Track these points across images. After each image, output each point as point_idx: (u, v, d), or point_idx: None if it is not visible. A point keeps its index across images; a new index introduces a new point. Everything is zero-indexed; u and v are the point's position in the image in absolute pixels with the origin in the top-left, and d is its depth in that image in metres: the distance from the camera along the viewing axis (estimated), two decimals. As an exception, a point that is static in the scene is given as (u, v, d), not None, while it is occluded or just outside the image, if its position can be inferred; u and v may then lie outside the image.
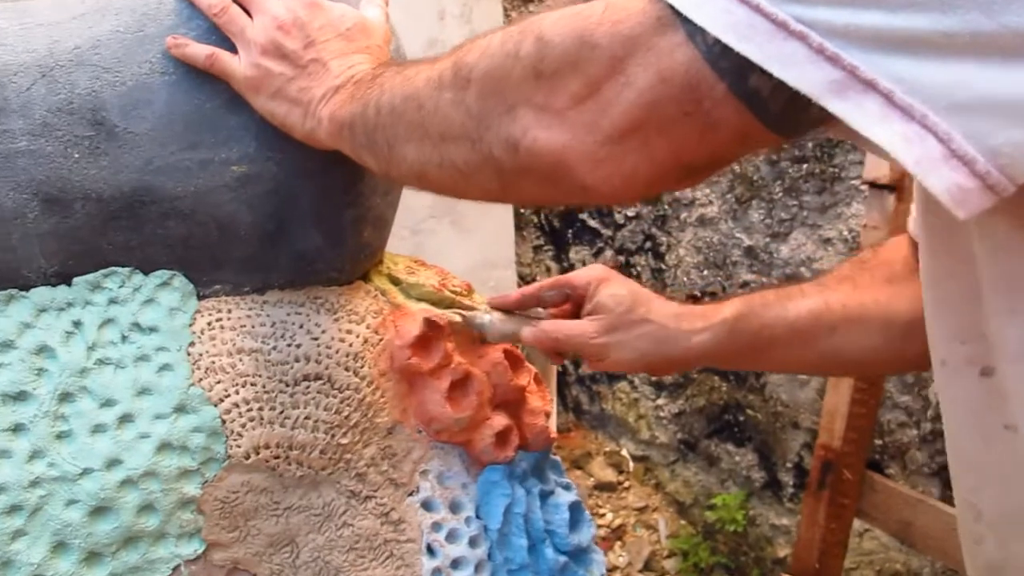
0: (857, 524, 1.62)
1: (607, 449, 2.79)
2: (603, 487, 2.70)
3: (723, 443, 2.30)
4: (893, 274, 0.81)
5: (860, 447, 1.49)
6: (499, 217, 2.55)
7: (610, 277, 0.86)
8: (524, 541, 0.91)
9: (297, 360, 0.82)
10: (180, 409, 0.79)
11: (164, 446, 0.78)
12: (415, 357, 0.85)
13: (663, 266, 2.38)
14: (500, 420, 0.90)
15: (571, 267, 2.79)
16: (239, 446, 0.80)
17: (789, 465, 2.08)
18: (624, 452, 2.73)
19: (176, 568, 0.80)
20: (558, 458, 1.03)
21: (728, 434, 2.27)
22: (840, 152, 1.82)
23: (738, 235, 2.11)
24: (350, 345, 0.84)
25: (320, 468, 0.83)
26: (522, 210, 2.88)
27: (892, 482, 1.50)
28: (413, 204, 2.31)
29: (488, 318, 0.87)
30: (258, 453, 0.80)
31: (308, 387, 0.82)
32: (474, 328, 0.88)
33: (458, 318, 0.88)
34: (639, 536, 2.50)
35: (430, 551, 0.87)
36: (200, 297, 0.83)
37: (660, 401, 2.51)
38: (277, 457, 0.81)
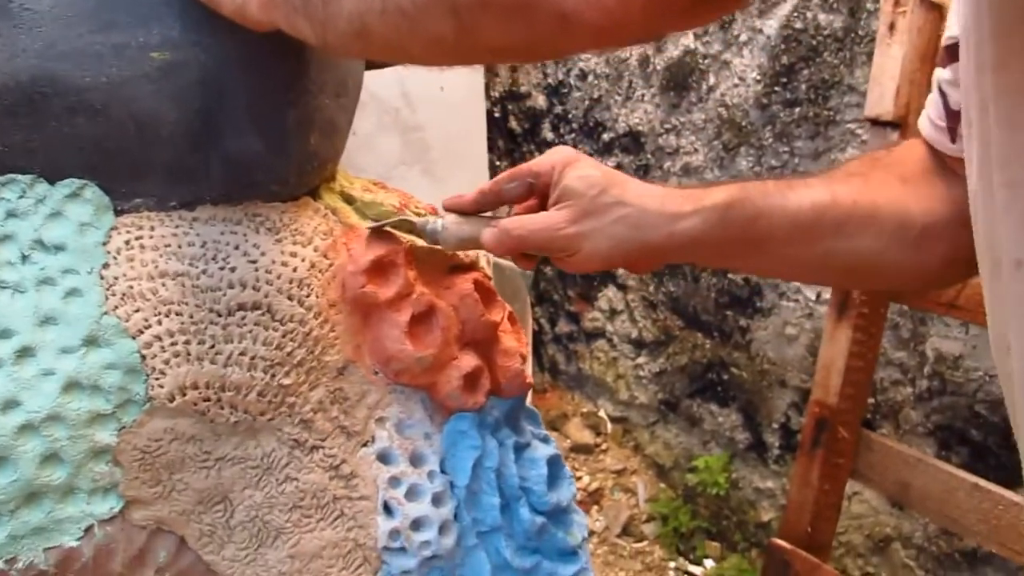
0: (846, 487, 1.53)
1: (584, 410, 2.69)
2: (580, 449, 2.60)
3: (706, 403, 2.20)
4: (908, 174, 0.70)
5: (857, 404, 1.40)
6: (473, 166, 2.42)
7: (578, 159, 0.73)
8: (496, 499, 0.80)
9: (231, 286, 0.70)
10: (91, 342, 0.67)
11: (71, 385, 0.66)
12: (371, 285, 0.73)
13: (645, 219, 2.27)
14: (469, 360, 0.78)
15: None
16: (162, 386, 0.68)
17: (775, 426, 1.99)
18: (602, 413, 2.64)
19: (88, 529, 0.68)
20: (535, 408, 0.92)
21: (711, 394, 2.17)
22: (835, 94, 1.71)
23: (725, 184, 1.99)
24: (294, 270, 0.72)
25: (258, 413, 0.71)
26: (497, 163, 2.75)
27: (890, 441, 1.40)
28: (383, 150, 2.18)
29: (441, 223, 0.75)
30: (184, 394, 0.68)
31: (244, 318, 0.70)
32: (426, 236, 0.75)
33: (407, 225, 0.76)
34: (617, 500, 2.42)
35: (387, 510, 0.75)
36: (118, 212, 0.70)
37: (640, 360, 2.41)
38: (207, 399, 0.69)
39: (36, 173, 0.68)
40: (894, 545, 1.73)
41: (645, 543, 2.25)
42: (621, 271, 2.41)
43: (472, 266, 0.81)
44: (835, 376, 1.38)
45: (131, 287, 0.68)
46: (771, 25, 1.81)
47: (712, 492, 2.12)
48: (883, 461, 1.37)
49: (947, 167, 0.68)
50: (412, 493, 0.75)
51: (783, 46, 1.78)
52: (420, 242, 0.77)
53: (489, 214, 0.76)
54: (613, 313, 2.48)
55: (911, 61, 1.34)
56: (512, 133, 2.71)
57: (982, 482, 1.25)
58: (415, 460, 0.77)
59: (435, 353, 0.75)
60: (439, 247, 0.76)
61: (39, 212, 0.68)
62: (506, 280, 2.97)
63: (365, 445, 0.76)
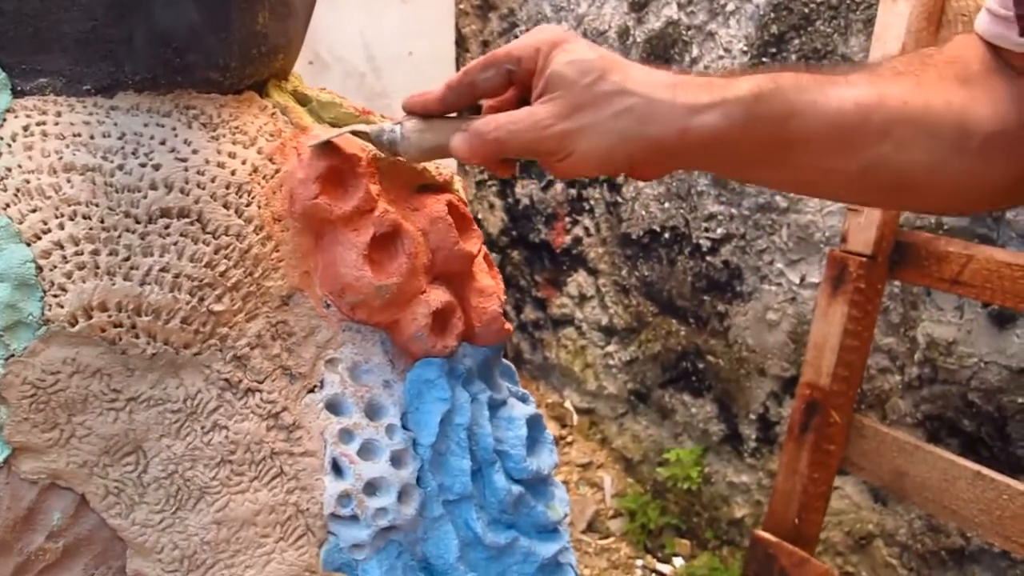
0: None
1: (549, 401, 2.58)
2: (543, 442, 2.49)
3: (679, 393, 2.10)
4: (968, 74, 0.59)
5: (850, 386, 1.30)
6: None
7: (568, 39, 0.60)
8: (467, 463, 0.68)
9: (153, 187, 0.57)
10: (-28, 247, 0.54)
11: (-55, 299, 0.53)
12: (324, 196, 0.61)
13: (619, 199, 2.16)
14: (439, 296, 0.66)
15: (516, 203, 2.56)
16: (61, 305, 0.55)
17: (752, 417, 1.89)
18: (568, 404, 2.53)
19: (-36, 481, 0.55)
20: (511, 365, 0.80)
21: (685, 383, 2.07)
22: (828, 65, 1.62)
23: (707, 162, 1.89)
24: (232, 173, 0.59)
25: (182, 345, 0.58)
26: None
27: (884, 427, 1.31)
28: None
29: (400, 129, 0.61)
30: (89, 317, 0.55)
31: (168, 226, 0.57)
32: (383, 146, 0.62)
33: (360, 137, 0.63)
34: (582, 495, 2.30)
35: (336, 469, 0.63)
36: (18, 93, 0.58)
37: (610, 348, 2.30)
38: (118, 325, 0.56)
39: (-88, 38, 0.55)
40: (876, 542, 1.64)
41: (611, 539, 2.14)
42: (591, 255, 2.30)
43: (446, 186, 0.69)
44: (828, 356, 1.29)
45: (27, 181, 0.55)
46: (761, -7, 1.71)
47: (683, 487, 2.02)
48: (877, 448, 1.28)
49: (1012, 66, 0.58)
50: (367, 450, 0.63)
51: (772, 15, 1.69)
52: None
53: (457, 115, 0.63)
54: (583, 299, 2.37)
55: (917, 19, 1.24)
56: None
57: (985, 470, 1.16)
58: (371, 411, 0.65)
59: (399, 283, 0.63)
60: (401, 158, 0.63)
61: (-86, 87, 0.55)
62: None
63: (312, 391, 0.63)
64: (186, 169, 0.58)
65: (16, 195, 0.55)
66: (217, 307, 0.59)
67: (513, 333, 2.69)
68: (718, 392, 1.98)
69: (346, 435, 0.63)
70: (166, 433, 0.58)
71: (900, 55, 0.68)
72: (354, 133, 0.62)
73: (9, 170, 0.55)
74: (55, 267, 0.55)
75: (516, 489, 0.70)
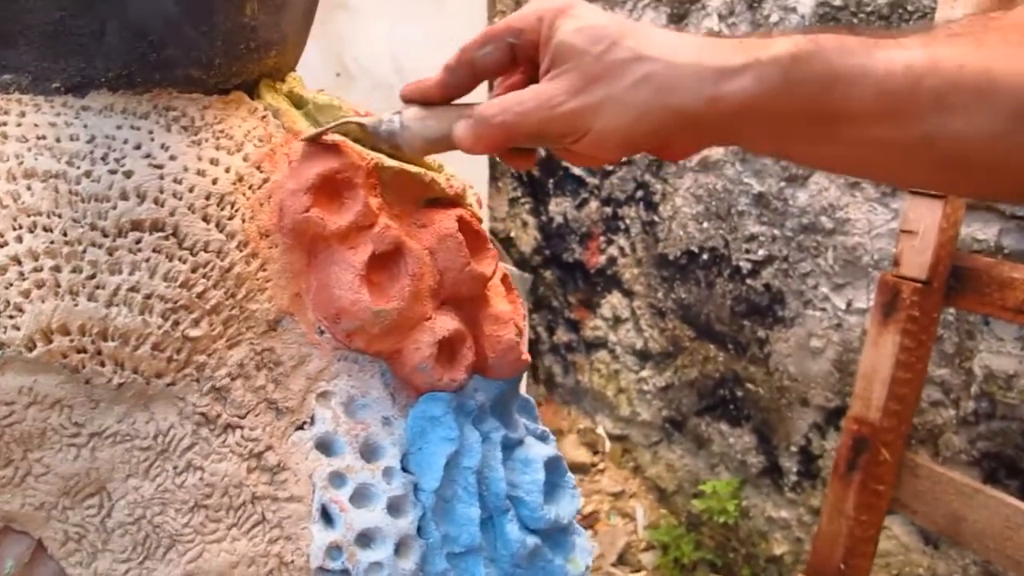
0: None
1: (581, 426, 2.49)
2: (575, 468, 2.40)
3: (716, 422, 2.00)
4: None
5: (902, 421, 1.20)
6: (472, 159, 2.23)
7: (572, 4, 0.53)
8: (476, 510, 0.60)
9: (124, 196, 0.51)
10: (-82, 261, 0.48)
11: None
12: (316, 209, 0.54)
13: (656, 218, 2.08)
14: (447, 322, 0.59)
15: (550, 222, 2.49)
16: (17, 328, 0.49)
17: (794, 449, 1.79)
18: (600, 430, 2.44)
19: (-92, 523, 0.49)
20: (531, 398, 0.73)
21: (722, 412, 1.98)
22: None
23: (747, 180, 1.81)
24: (214, 182, 0.53)
25: (153, 374, 0.52)
26: (498, 158, 2.57)
27: (939, 466, 1.21)
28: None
29: (400, 119, 0.55)
30: (49, 341, 0.49)
31: (139, 241, 0.51)
32: (381, 140, 0.56)
33: (356, 132, 0.56)
34: (613, 525, 2.21)
35: (326, 517, 0.56)
36: (-24, 92, 0.52)
37: (644, 373, 2.21)
38: (81, 350, 0.50)
39: None
40: (926, 588, 1.54)
41: (643, 573, 2.05)
42: (627, 275, 2.22)
43: (457, 200, 0.62)
44: (878, 389, 1.19)
45: (-18, 189, 0.49)
46: (806, 3, 1.63)
47: (719, 520, 1.92)
48: (931, 490, 1.18)
49: None
50: (360, 496, 0.56)
51: (819, 25, 1.60)
52: (388, 162, 0.57)
53: (464, 101, 0.56)
54: (617, 321, 2.29)
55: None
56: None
57: (1052, 519, 1.06)
58: (367, 452, 0.58)
59: (400, 308, 0.56)
60: (400, 153, 0.57)
61: None
62: (503, 284, 2.79)
63: (301, 428, 0.56)
64: (161, 177, 0.52)
65: (-30, 203, 0.49)
66: (194, 332, 0.52)
67: (545, 356, 2.62)
68: (757, 422, 1.88)
69: (337, 478, 0.56)
70: (133, 473, 0.52)
71: (958, 18, 0.59)
72: (348, 126, 0.56)
73: (-37, 176, 0.49)
74: (11, 285, 0.49)
75: (531, 540, 0.63)
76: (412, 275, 0.57)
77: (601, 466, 2.39)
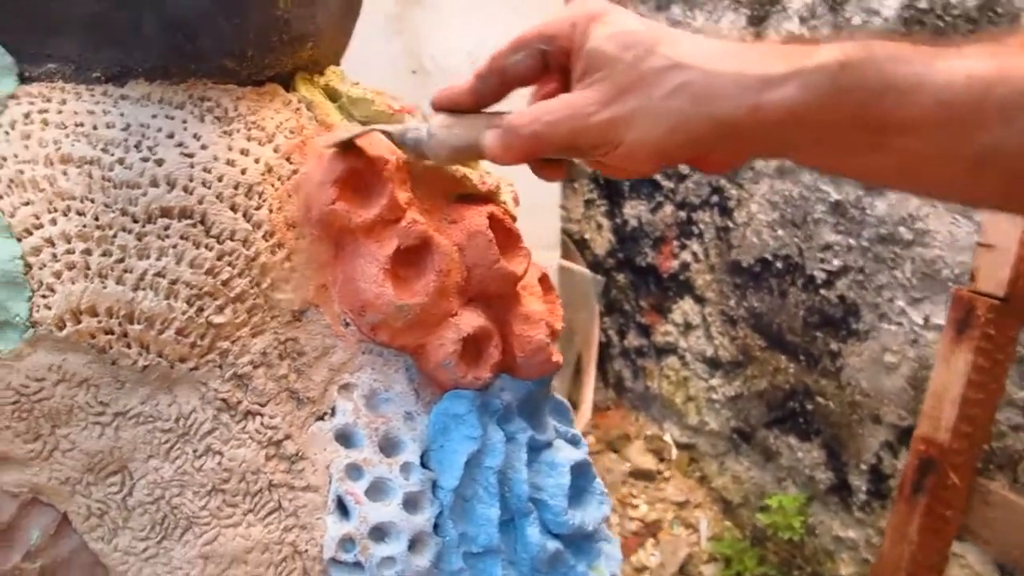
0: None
1: (648, 433, 2.46)
2: (640, 475, 2.37)
3: (784, 435, 1.95)
4: None
5: (973, 444, 1.15)
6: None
7: (608, 11, 0.51)
8: (495, 511, 0.60)
9: (154, 183, 0.52)
10: (-41, 239, 0.50)
11: (-72, 295, 0.49)
12: (342, 202, 0.55)
13: (730, 224, 2.04)
14: (472, 320, 0.59)
15: (624, 224, 2.47)
16: (48, 307, 0.50)
17: (864, 467, 1.72)
18: (667, 438, 2.40)
19: (-57, 490, 0.51)
20: (565, 401, 0.72)
21: (792, 425, 1.92)
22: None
23: (824, 188, 1.75)
24: (243, 172, 0.54)
25: (177, 358, 0.53)
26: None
27: (1014, 494, 1.15)
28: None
29: (428, 127, 0.54)
30: (78, 321, 0.51)
31: (167, 227, 0.52)
32: (407, 148, 0.55)
33: (384, 132, 0.56)
34: (676, 535, 2.18)
35: (341, 508, 0.56)
36: (25, 79, 0.54)
37: (714, 381, 2.17)
38: (109, 332, 0.51)
39: (-81, 16, 0.51)
40: (1000, 621, 1.46)
41: (703, 586, 2.01)
42: (699, 281, 2.18)
43: (490, 196, 0.62)
44: (948, 408, 1.14)
45: (21, 172, 0.51)
46: (890, 5, 1.57)
47: (784, 536, 1.87)
48: (1004, 518, 1.12)
49: None
50: (376, 490, 0.56)
51: (903, 29, 1.54)
52: (419, 157, 0.57)
53: (494, 109, 0.55)
54: (688, 327, 2.25)
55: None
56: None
57: None
58: (386, 446, 0.58)
59: (424, 303, 0.56)
60: (429, 162, 0.56)
61: (-83, 68, 0.52)
62: (574, 285, 2.76)
63: (321, 419, 0.57)
64: (192, 166, 0.52)
65: (9, 186, 0.51)
66: (217, 319, 0.53)
67: (615, 360, 2.59)
68: (827, 437, 1.82)
69: (354, 471, 0.56)
70: (154, 454, 0.53)
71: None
72: (376, 132, 0.55)
73: (4, 159, 0.51)
74: (44, 265, 0.51)
75: (552, 545, 0.62)
76: (438, 271, 0.57)
77: (667, 474, 2.36)
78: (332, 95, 0.60)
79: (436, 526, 0.58)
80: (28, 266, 0.50)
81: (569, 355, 2.67)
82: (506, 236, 0.61)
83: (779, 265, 1.90)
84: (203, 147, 0.53)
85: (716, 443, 2.20)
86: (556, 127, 0.50)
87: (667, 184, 2.26)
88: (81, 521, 0.53)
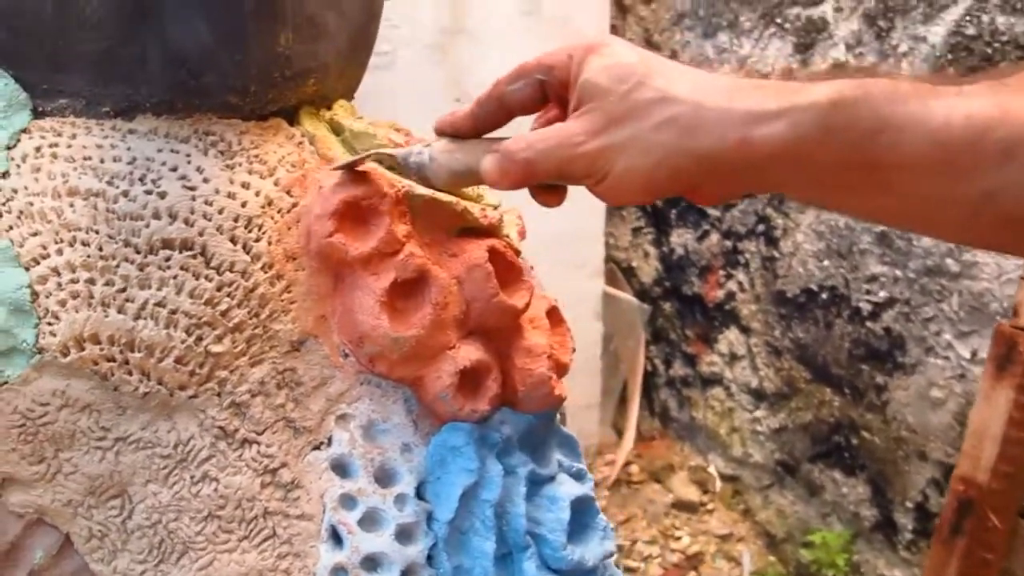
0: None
1: (692, 464, 2.43)
2: (683, 507, 2.34)
3: (829, 469, 1.90)
4: None
5: (1015, 485, 1.11)
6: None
7: (605, 43, 0.52)
8: (490, 544, 0.59)
9: (157, 216, 0.54)
10: (-29, 269, 0.52)
11: (-59, 320, 0.51)
12: (340, 234, 0.55)
13: (776, 254, 2.01)
14: (470, 353, 0.59)
15: (671, 253, 2.45)
16: (54, 334, 0.52)
17: (910, 504, 1.68)
18: (711, 469, 2.37)
19: (-48, 509, 0.53)
20: (573, 435, 0.71)
21: (837, 459, 1.88)
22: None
23: (872, 218, 1.72)
24: (243, 205, 0.55)
25: (176, 386, 0.54)
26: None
27: (1057, 539, 1.11)
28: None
29: (429, 152, 0.55)
30: (82, 348, 0.52)
31: (168, 259, 0.53)
32: (410, 171, 0.56)
33: (387, 160, 0.57)
34: (718, 568, 2.14)
35: (335, 538, 0.57)
36: (39, 114, 0.56)
37: (759, 413, 2.13)
38: (111, 359, 0.53)
39: (-58, 54, 0.54)
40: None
41: (744, 622, 1.97)
42: (744, 311, 2.15)
43: (491, 230, 0.62)
44: (988, 447, 1.10)
45: (31, 204, 0.53)
46: (937, 32, 1.54)
47: (828, 573, 1.82)
48: (1045, 563, 1.08)
49: None
50: (369, 520, 0.56)
51: (950, 56, 1.51)
52: (420, 190, 0.58)
53: (496, 135, 0.56)
54: (733, 358, 2.22)
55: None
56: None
57: None
58: (382, 477, 0.58)
59: (420, 336, 0.56)
60: (426, 192, 0.57)
61: (-63, 103, 0.54)
62: (621, 313, 2.74)
63: (318, 448, 0.57)
64: (193, 199, 0.54)
65: (19, 217, 0.53)
66: (216, 348, 0.54)
67: (661, 389, 2.57)
68: (872, 472, 1.78)
69: (348, 501, 0.56)
70: (153, 479, 0.54)
71: None
72: (380, 157, 0.56)
73: (15, 191, 0.53)
74: (50, 294, 0.52)
75: (550, 579, 0.61)
76: (435, 304, 0.57)
77: (710, 506, 2.32)
78: (337, 129, 0.62)
79: (431, 558, 0.58)
80: (35, 294, 0.52)
81: (614, 382, 2.66)
82: (507, 270, 0.61)
83: (824, 296, 1.87)
84: (205, 180, 0.55)
85: (760, 476, 2.16)
86: (547, 155, 0.50)
87: (713, 212, 2.24)
88: (83, 543, 0.54)
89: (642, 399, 2.58)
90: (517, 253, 0.64)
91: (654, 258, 2.55)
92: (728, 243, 2.20)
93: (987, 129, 0.45)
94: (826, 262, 1.86)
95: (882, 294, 1.71)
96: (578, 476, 0.68)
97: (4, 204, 0.53)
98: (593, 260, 2.37)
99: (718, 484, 2.34)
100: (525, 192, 0.55)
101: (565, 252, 2.27)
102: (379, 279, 0.56)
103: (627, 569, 2.18)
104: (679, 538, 2.26)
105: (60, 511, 0.54)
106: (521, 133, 0.53)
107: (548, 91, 0.54)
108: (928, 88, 0.47)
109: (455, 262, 0.60)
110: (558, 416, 0.69)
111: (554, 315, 0.69)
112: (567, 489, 0.64)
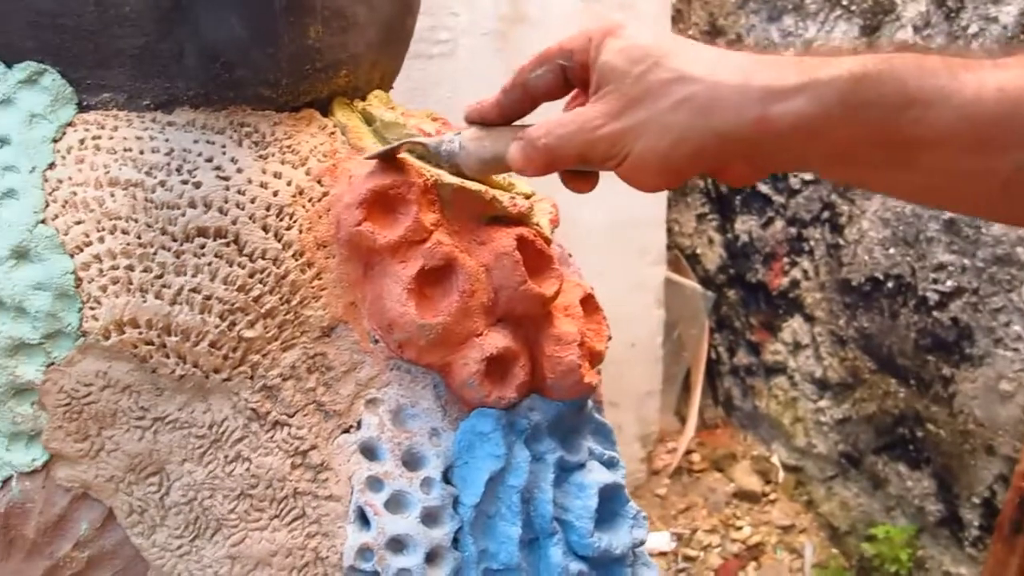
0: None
1: (755, 453, 2.40)
2: (745, 496, 2.31)
3: (894, 462, 1.86)
4: None
5: (1080, 484, 1.07)
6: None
7: (621, 25, 0.51)
8: (516, 529, 0.60)
9: (192, 205, 0.56)
10: (21, 255, 0.55)
11: (-8, 304, 0.54)
12: (368, 223, 0.57)
13: (841, 241, 1.96)
14: (498, 340, 0.60)
15: (735, 240, 2.42)
16: (96, 318, 0.54)
17: (976, 500, 1.63)
18: (774, 459, 2.33)
19: (6, 481, 0.56)
20: (609, 424, 0.72)
21: (901, 452, 1.83)
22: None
23: (941, 205, 1.67)
24: (275, 194, 0.57)
25: (211, 369, 0.56)
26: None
27: (1124, 539, 1.07)
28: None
29: (459, 140, 0.56)
30: (122, 332, 0.55)
31: (203, 246, 0.55)
32: (441, 159, 0.57)
33: (419, 149, 0.58)
34: (779, 560, 2.11)
35: (362, 518, 0.58)
36: (83, 108, 0.58)
37: (822, 403, 2.09)
38: (149, 342, 0.55)
39: (-8, 50, 0.57)
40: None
41: (803, 614, 1.94)
42: (808, 299, 2.11)
43: (520, 218, 0.62)
44: (1052, 444, 1.07)
45: (75, 194, 0.56)
46: (1008, 12, 1.48)
47: (891, 569, 1.78)
48: (1110, 565, 1.04)
49: None
50: (395, 503, 0.58)
51: (1023, 36, 1.46)
52: (448, 178, 0.59)
53: (522, 122, 0.56)
54: (797, 347, 2.18)
55: None
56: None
57: None
58: (409, 460, 0.59)
59: (445, 323, 0.57)
60: (459, 178, 0.58)
61: (-11, 96, 0.57)
62: (685, 300, 2.71)
63: (347, 431, 0.59)
64: (227, 188, 0.56)
65: (64, 206, 0.55)
66: (248, 333, 0.56)
67: (724, 377, 2.54)
68: (938, 466, 1.73)
69: (375, 483, 0.58)
70: (189, 458, 0.56)
71: None
72: (412, 146, 0.57)
73: (60, 182, 0.56)
74: (93, 280, 0.55)
75: (576, 567, 0.62)
76: (462, 291, 0.58)
77: (772, 496, 2.29)
78: (369, 119, 0.63)
79: (456, 541, 0.59)
80: (79, 280, 0.55)
81: (677, 369, 2.64)
82: (537, 258, 0.62)
83: (890, 285, 1.82)
84: (239, 170, 0.56)
85: (824, 467, 2.12)
86: (567, 140, 0.51)
87: (778, 199, 2.20)
88: (124, 516, 0.57)
89: (705, 387, 2.55)
90: (548, 242, 0.64)
91: (718, 245, 2.52)
92: (793, 230, 2.16)
93: (1021, 102, 0.44)
94: (892, 250, 1.81)
95: (949, 283, 1.66)
96: (609, 464, 0.68)
97: (51, 194, 0.56)
98: (655, 247, 2.34)
99: (781, 474, 2.30)
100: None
101: (627, 239, 2.25)
102: (407, 267, 0.57)
103: (686, 558, 2.17)
104: (740, 528, 2.23)
105: (103, 486, 0.57)
106: (542, 120, 0.53)
107: (570, 76, 0.54)
108: (959, 62, 0.46)
109: (483, 250, 0.61)
110: (591, 404, 0.70)
111: (589, 303, 0.69)
112: (596, 476, 0.65)
